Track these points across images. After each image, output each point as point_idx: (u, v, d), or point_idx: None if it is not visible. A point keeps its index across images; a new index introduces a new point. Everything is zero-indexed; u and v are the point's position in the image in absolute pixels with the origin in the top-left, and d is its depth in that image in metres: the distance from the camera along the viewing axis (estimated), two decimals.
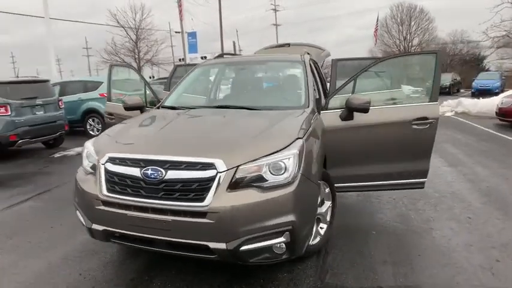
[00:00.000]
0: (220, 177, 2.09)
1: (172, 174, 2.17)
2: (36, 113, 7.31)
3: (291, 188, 2.13)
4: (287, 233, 2.10)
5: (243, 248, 2.07)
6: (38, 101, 7.36)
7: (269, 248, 2.14)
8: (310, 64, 3.71)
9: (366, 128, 3.23)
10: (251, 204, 2.05)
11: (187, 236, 2.14)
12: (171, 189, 2.16)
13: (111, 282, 2.62)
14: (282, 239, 2.11)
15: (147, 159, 2.26)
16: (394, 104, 3.47)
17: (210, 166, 2.12)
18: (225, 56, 4.68)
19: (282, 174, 2.16)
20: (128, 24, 29.55)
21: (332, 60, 5.12)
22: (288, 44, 6.07)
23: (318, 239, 2.90)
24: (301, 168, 2.23)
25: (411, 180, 3.47)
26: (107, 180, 2.36)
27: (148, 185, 2.22)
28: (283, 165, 2.17)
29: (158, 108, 3.57)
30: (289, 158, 2.18)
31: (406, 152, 3.36)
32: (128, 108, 3.69)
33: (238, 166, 2.11)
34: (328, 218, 3.04)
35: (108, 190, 2.35)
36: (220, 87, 4.01)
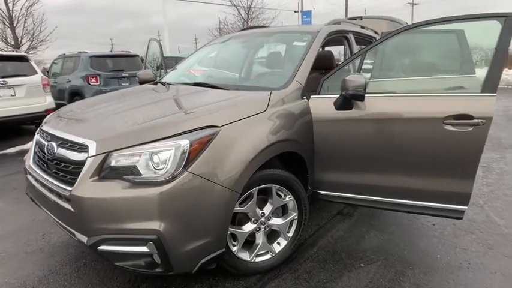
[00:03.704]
0: (88, 162, 1.75)
1: (60, 152, 1.95)
2: (122, 84, 8.10)
3: (162, 189, 1.64)
4: (151, 243, 1.65)
5: (102, 248, 1.72)
6: (124, 74, 8.14)
7: (136, 255, 1.72)
8: (328, 37, 2.92)
9: (373, 122, 2.35)
10: (111, 200, 1.66)
11: (63, 220, 1.91)
12: (58, 168, 1.94)
13: None
14: (145, 248, 1.67)
15: (51, 133, 2.11)
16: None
17: (84, 148, 1.80)
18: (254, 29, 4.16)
19: (160, 168, 1.69)
20: (241, 4, 30.53)
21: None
22: (360, 17, 5.26)
23: (267, 256, 2.31)
24: (194, 165, 1.71)
25: (442, 205, 2.39)
26: (34, 152, 2.31)
27: (48, 160, 2.05)
28: (162, 158, 1.69)
29: (156, 83, 3.39)
30: (169, 150, 1.68)
31: (434, 163, 2.32)
32: (141, 82, 3.64)
33: (109, 152, 1.73)
34: (290, 233, 2.39)
35: (33, 161, 2.29)
36: (214, 63, 3.55)
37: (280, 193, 2.29)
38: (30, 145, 2.43)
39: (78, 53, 8.30)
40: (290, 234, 2.40)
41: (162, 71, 4.01)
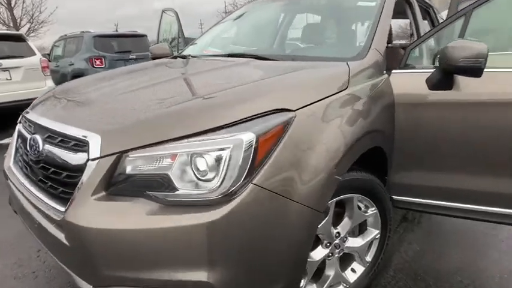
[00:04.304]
0: (90, 168, 1.09)
1: (48, 150, 1.29)
2: None
3: (214, 214, 0.98)
4: None
5: None
6: (132, 55, 7.44)
7: None
8: None
9: (482, 108, 1.70)
10: (128, 233, 1.01)
11: (57, 255, 1.28)
12: (46, 175, 1.30)
13: None
14: None
15: (35, 122, 1.45)
16: None
17: (82, 146, 1.15)
18: None
19: (208, 179, 1.03)
20: None
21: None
22: None
23: None
24: (262, 174, 1.05)
25: None
26: (16, 148, 1.66)
27: (32, 162, 1.41)
28: (211, 162, 1.03)
29: (174, 58, 2.72)
30: (224, 149, 1.02)
31: None
32: (154, 58, 2.97)
33: (122, 152, 1.07)
34: (368, 257, 1.75)
35: (14, 161, 1.65)
36: (251, 30, 2.83)
37: (361, 204, 1.64)
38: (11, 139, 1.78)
39: (81, 33, 7.58)
40: (369, 258, 1.77)
41: (180, 45, 3.31)
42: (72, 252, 1.11)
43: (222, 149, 1.02)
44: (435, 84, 1.70)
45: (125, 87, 1.60)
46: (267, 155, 1.06)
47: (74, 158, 1.16)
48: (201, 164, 1.03)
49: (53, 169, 1.24)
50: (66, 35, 8.29)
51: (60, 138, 1.24)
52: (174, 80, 1.66)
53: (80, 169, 1.12)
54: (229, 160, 1.01)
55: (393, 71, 1.88)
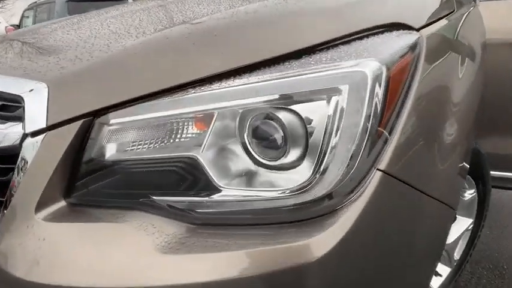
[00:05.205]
0: (30, 151, 0.52)
1: None
2: None
3: (321, 246, 0.43)
4: None
5: None
6: None
7: None
8: None
9: None
10: None
11: None
12: None
13: None
14: None
15: None
16: None
17: (14, 109, 0.57)
18: None
19: (287, 165, 0.47)
20: None
21: None
22: None
23: None
24: (393, 149, 0.50)
25: None
26: None
27: None
28: (291, 125, 0.47)
29: None
30: (325, 97, 0.46)
31: None
32: None
33: (94, 115, 0.51)
34: (457, 255, 1.29)
35: None
36: None
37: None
38: None
39: None
40: (457, 256, 1.32)
41: None
42: None
43: (321, 97, 0.46)
44: None
45: (107, 17, 1.00)
46: (394, 110, 0.52)
47: (5, 131, 0.59)
48: (271, 131, 0.47)
49: None
50: (35, 2, 7.39)
51: None
52: None
53: (11, 156, 0.55)
54: (338, 121, 0.45)
55: None
